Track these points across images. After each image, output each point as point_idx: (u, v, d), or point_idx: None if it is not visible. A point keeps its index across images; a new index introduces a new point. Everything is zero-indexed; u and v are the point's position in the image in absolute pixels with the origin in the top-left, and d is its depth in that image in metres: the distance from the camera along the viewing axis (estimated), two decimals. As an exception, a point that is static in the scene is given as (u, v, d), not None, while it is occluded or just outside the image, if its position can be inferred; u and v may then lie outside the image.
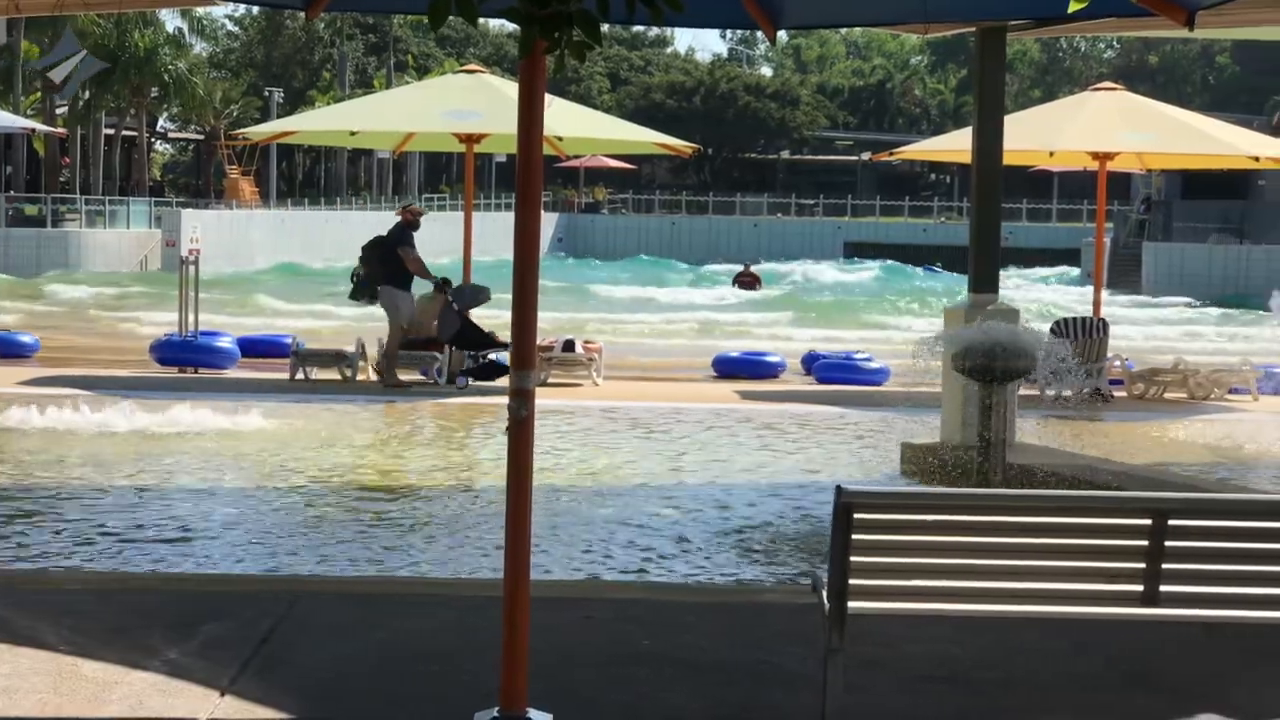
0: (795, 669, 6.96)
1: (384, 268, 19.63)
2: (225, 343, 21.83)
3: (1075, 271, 64.13)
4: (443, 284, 19.60)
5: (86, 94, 61.31)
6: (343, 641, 7.28)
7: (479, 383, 19.00)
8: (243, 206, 67.78)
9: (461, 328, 19.37)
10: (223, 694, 6.44)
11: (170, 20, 74.49)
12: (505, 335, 18.85)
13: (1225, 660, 7.29)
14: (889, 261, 72.37)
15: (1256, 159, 21.33)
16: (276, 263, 58.16)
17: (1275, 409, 19.24)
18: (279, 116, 63.81)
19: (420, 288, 19.79)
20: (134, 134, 73.41)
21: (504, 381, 15.15)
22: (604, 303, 44.73)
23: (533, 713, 5.80)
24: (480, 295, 19.77)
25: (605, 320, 37.69)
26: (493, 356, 19.25)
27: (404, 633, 7.48)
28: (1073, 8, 7.06)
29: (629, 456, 14.90)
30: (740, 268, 56.14)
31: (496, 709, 5.80)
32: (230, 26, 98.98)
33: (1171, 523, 5.73)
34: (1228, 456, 15.75)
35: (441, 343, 19.72)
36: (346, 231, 67.24)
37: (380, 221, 70.81)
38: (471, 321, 19.52)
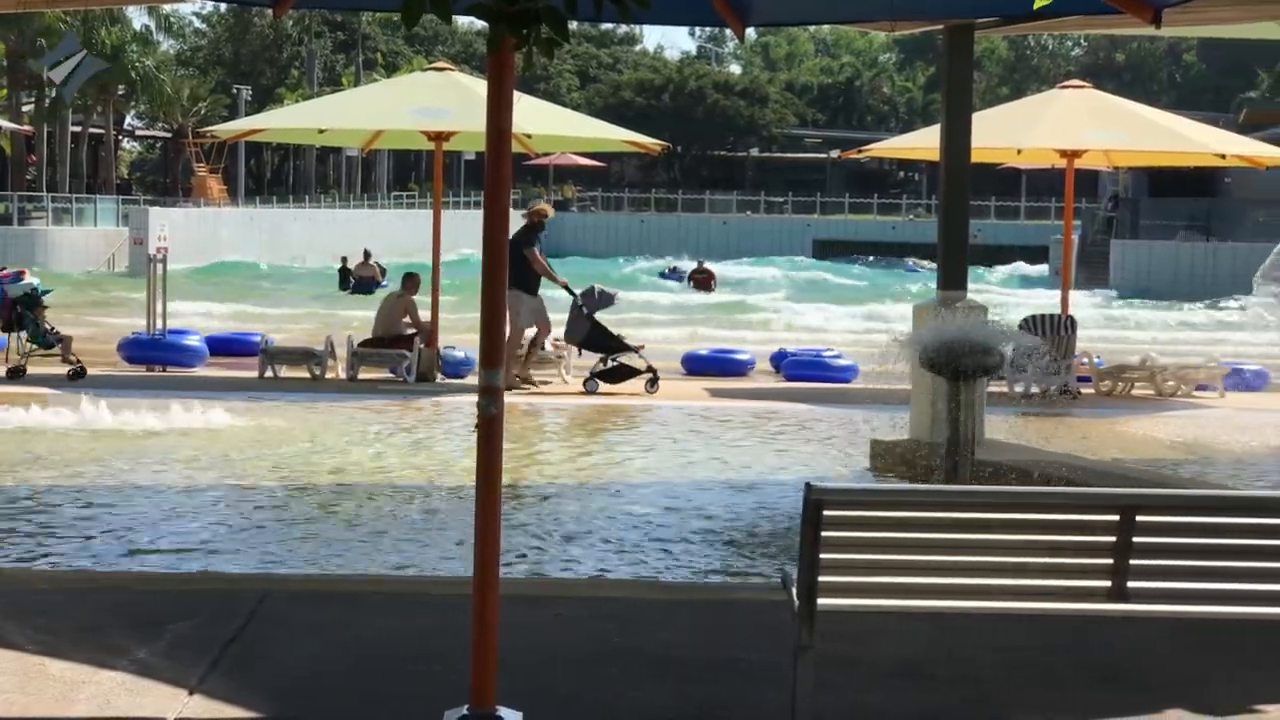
0: (765, 666, 6.97)
1: (512, 270, 19.48)
2: (193, 341, 21.76)
3: (1026, 270, 64.75)
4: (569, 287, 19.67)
5: (53, 93, 61.02)
6: (312, 640, 7.26)
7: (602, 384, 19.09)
8: (211, 204, 67.57)
9: (591, 331, 19.36)
10: (191, 693, 6.42)
11: (138, 17, 74.31)
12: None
13: (1194, 655, 7.32)
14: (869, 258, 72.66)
15: (1223, 157, 21.44)
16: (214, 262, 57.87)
17: (1241, 406, 19.33)
18: (247, 114, 63.64)
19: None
20: (101, 132, 73.13)
21: (473, 379, 15.18)
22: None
23: (503, 710, 5.80)
24: (608, 299, 19.75)
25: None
26: (621, 359, 19.26)
27: (373, 631, 7.47)
28: (1038, 4, 7.09)
29: (598, 454, 14.90)
30: (691, 266, 56.18)
31: (466, 707, 5.79)
32: (198, 24, 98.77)
33: (1139, 518, 5.75)
34: (1195, 452, 15.82)
35: (408, 341, 19.71)
36: (315, 229, 67.20)
37: (349, 220, 71.10)
38: (601, 325, 19.47)
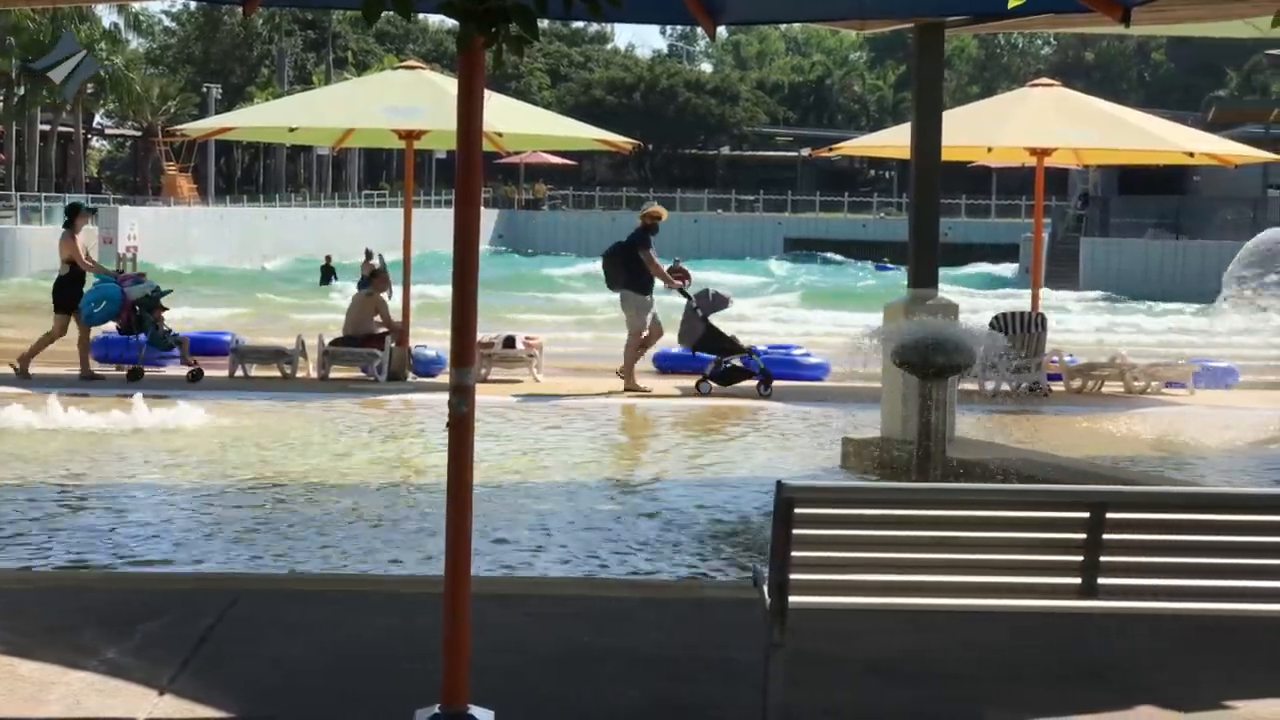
0: (737, 664, 6.98)
1: (626, 272, 19.54)
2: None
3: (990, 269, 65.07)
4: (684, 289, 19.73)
5: (22, 90, 60.83)
6: (283, 639, 7.25)
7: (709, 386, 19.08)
8: (181, 203, 67.37)
9: (706, 333, 19.36)
10: (161, 693, 6.41)
11: (107, 16, 74.10)
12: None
13: (1165, 651, 7.35)
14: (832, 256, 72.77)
15: (1191, 155, 21.51)
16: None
17: (1211, 403, 19.40)
18: (217, 113, 63.48)
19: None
20: (70, 130, 72.85)
21: (444, 378, 15.20)
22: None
23: (474, 709, 5.79)
24: (722, 301, 19.80)
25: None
26: (735, 362, 19.29)
27: (345, 630, 7.46)
28: (1012, 4, 7.11)
29: (570, 452, 14.89)
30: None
31: (438, 705, 5.79)
32: (167, 22, 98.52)
33: (1109, 515, 5.77)
34: (1164, 450, 15.88)
35: (381, 339, 19.70)
36: (286, 228, 67.06)
37: (320, 219, 70.95)
38: (715, 327, 19.48)
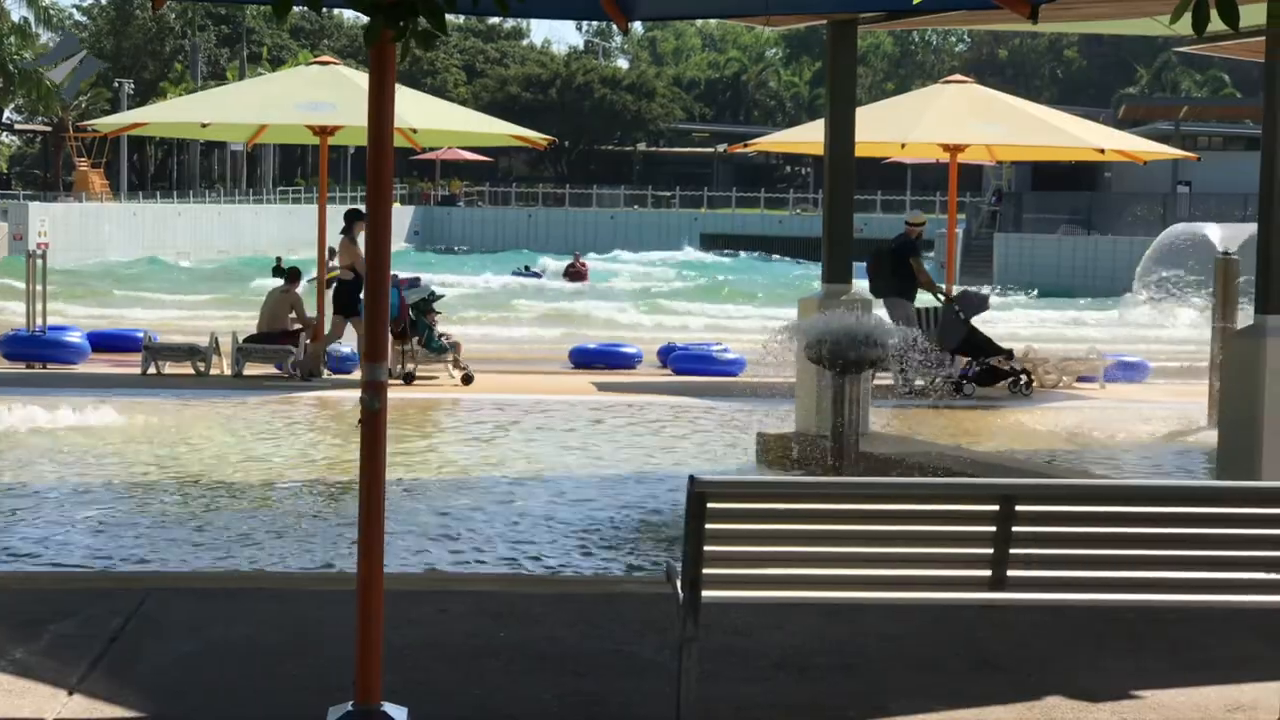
0: (650, 659, 7.00)
1: (893, 279, 19.72)
2: (74, 337, 21.46)
3: None
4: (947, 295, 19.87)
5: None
6: (195, 638, 7.20)
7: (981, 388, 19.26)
8: (93, 200, 66.67)
9: (968, 335, 19.44)
10: (71, 693, 6.35)
11: (16, 9, 73.30)
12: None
13: (1071, 642, 7.43)
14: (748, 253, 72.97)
15: (1102, 151, 21.71)
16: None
17: (1121, 397, 19.60)
18: (129, 108, 62.89)
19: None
20: (-22, 125, 71.99)
21: (357, 375, 15.12)
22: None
23: (387, 706, 5.78)
24: (983, 303, 20.00)
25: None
26: (991, 361, 19.37)
27: (257, 628, 7.42)
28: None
29: (486, 449, 14.87)
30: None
31: (351, 703, 5.77)
32: (78, 16, 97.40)
33: (1019, 508, 5.82)
34: (1074, 443, 16.03)
35: (299, 335, 19.59)
36: (200, 225, 66.52)
37: (235, 215, 70.41)
38: (976, 329, 19.56)
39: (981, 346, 19.55)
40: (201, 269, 56.51)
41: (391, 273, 20.08)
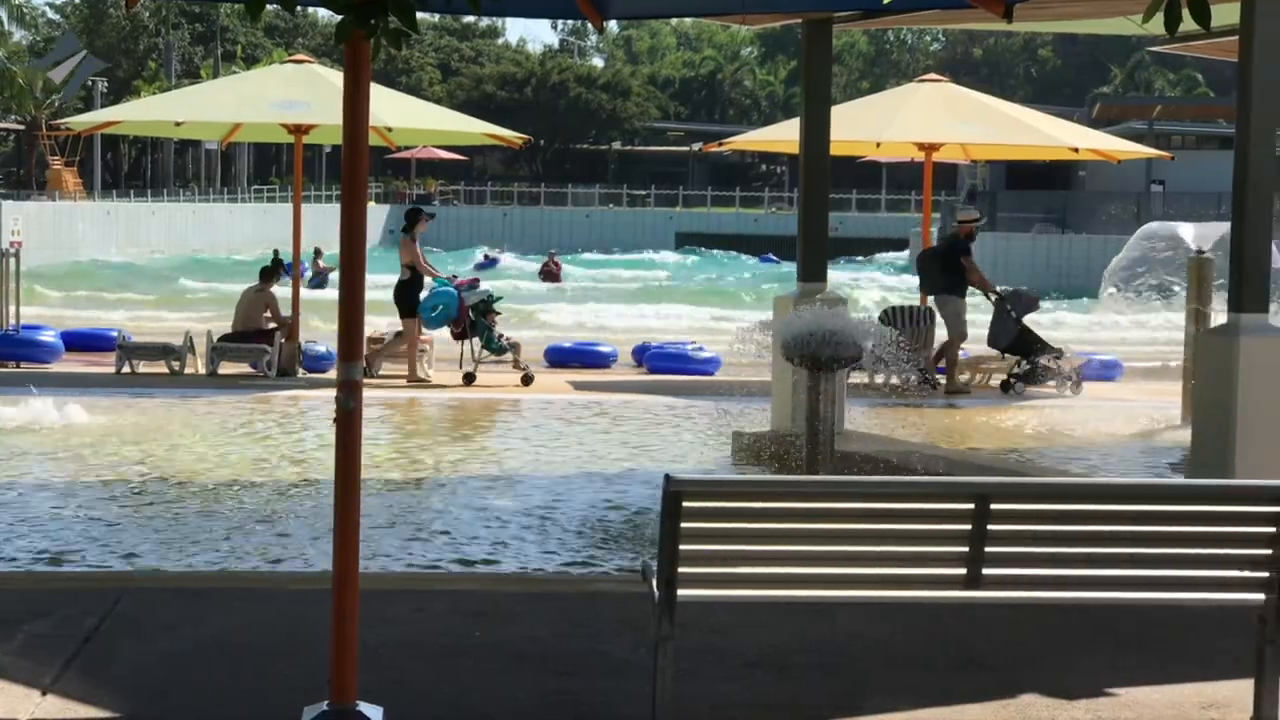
0: (626, 657, 7.00)
1: (944, 277, 19.77)
2: (48, 336, 21.38)
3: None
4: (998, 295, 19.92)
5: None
6: (170, 637, 7.18)
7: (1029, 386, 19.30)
8: (66, 198, 66.40)
9: (1019, 335, 19.50)
10: (44, 693, 6.33)
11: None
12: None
13: (1046, 640, 7.45)
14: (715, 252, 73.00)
15: (1076, 150, 21.78)
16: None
17: (1096, 396, 19.64)
18: (103, 107, 62.65)
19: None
20: (-49, 124, 71.70)
21: (334, 374, 15.10)
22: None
23: (363, 705, 5.78)
24: (1034, 303, 20.12)
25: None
26: (1042, 360, 19.41)
27: (232, 627, 7.41)
28: None
29: (462, 448, 14.85)
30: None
31: (326, 703, 5.76)
32: (51, 14, 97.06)
33: (994, 507, 5.83)
34: (1049, 441, 16.06)
35: (273, 334, 19.55)
36: (174, 224, 66.29)
37: (210, 214, 70.14)
38: (1028, 328, 19.63)
39: (1031, 347, 19.64)
40: (186, 267, 56.13)
41: (452, 275, 20.17)
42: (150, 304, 39.30)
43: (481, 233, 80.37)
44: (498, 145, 23.99)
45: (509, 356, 19.59)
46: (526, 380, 19.04)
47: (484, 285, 20.50)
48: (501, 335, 19.76)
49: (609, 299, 44.94)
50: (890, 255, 69.05)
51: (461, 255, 63.38)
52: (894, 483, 6.80)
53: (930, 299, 20.13)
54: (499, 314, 20.01)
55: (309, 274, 45.28)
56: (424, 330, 19.63)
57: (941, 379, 20.42)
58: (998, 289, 20.20)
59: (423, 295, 19.63)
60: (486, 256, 58.86)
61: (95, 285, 44.92)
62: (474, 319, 19.48)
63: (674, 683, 5.92)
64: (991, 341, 19.90)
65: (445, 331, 19.86)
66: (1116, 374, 22.00)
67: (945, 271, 19.83)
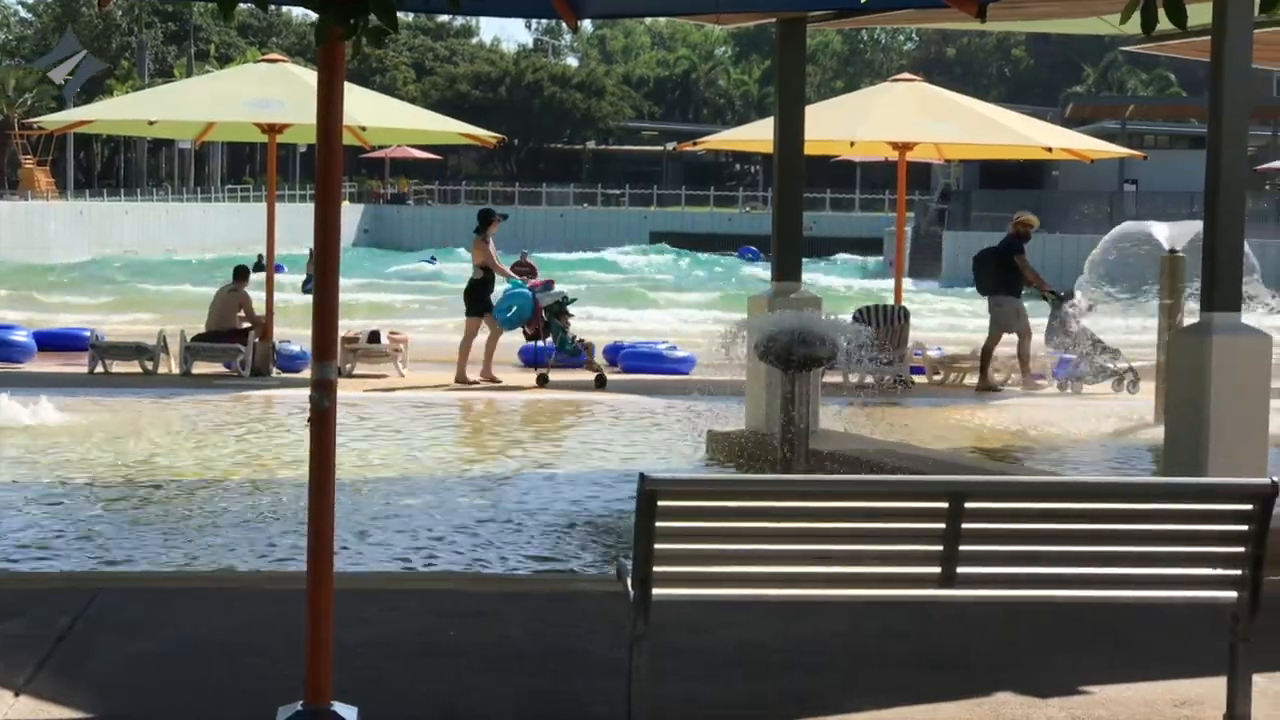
0: (602, 657, 7.00)
1: (998, 276, 19.88)
2: (20, 336, 21.30)
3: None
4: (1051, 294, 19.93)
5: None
6: (143, 637, 7.16)
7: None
8: (39, 197, 66.17)
9: (1079, 334, 19.53)
10: (17, 694, 6.31)
11: (-40, 7, 72.56)
12: None
13: (1021, 638, 7.47)
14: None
15: (1050, 150, 21.83)
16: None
17: (1070, 394, 19.68)
18: (76, 105, 62.43)
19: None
20: (-78, 122, 71.38)
21: (308, 373, 15.06)
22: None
23: (338, 706, 5.77)
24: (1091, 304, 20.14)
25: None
26: (1100, 360, 19.51)
27: (206, 628, 7.39)
28: (866, -1, 7.19)
29: (437, 447, 14.83)
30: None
31: (301, 703, 5.75)
32: (23, 13, 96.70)
33: (968, 505, 5.84)
34: (1023, 440, 16.09)
35: (244, 336, 19.51)
36: (147, 223, 66.10)
37: (183, 213, 70.00)
38: (1086, 329, 19.64)
39: (1092, 345, 19.73)
40: (163, 266, 55.95)
41: (524, 276, 20.28)
42: (122, 305, 39.18)
43: (455, 232, 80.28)
44: (472, 145, 23.99)
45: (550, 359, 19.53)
46: (600, 383, 19.07)
47: (559, 287, 20.55)
48: (575, 336, 19.76)
49: (584, 299, 44.97)
50: (848, 256, 69.10)
51: (417, 257, 64.08)
52: (869, 481, 6.82)
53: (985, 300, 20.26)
54: (573, 316, 19.99)
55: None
56: (496, 329, 19.59)
57: (918, 378, 20.49)
58: (1053, 289, 20.28)
59: (493, 296, 19.68)
60: (433, 259, 60.48)
61: (68, 285, 44.82)
62: (548, 320, 19.47)
63: (651, 682, 5.92)
64: (1049, 340, 20.01)
65: (477, 329, 19.79)
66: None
67: (999, 271, 19.94)
